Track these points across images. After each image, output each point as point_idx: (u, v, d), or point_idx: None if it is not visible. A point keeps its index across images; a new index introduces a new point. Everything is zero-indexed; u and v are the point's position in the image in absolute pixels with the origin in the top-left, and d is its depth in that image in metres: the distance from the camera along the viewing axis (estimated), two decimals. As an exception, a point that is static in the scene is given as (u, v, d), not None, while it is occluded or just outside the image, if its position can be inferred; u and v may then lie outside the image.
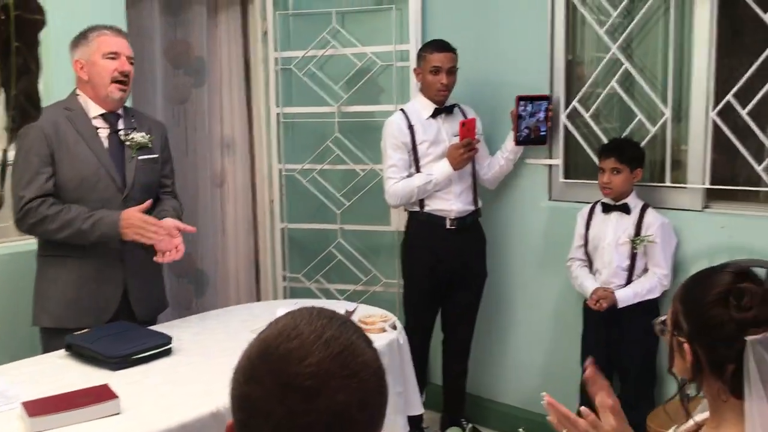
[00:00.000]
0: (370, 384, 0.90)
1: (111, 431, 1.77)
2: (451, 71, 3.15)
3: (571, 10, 3.20)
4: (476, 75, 3.40)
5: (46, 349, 2.43)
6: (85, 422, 1.78)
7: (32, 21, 0.81)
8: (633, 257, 2.88)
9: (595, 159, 3.04)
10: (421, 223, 3.23)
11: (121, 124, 2.57)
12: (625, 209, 2.91)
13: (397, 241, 3.61)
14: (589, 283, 2.95)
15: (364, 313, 2.62)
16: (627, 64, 3.04)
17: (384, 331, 2.48)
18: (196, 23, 3.66)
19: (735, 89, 2.76)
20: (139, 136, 2.56)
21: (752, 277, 1.32)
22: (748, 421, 1.24)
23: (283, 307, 2.46)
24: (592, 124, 3.16)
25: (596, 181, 2.97)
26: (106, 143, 2.52)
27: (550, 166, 3.32)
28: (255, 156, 3.99)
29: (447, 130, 3.20)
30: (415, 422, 3.03)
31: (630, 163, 2.88)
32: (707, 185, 2.90)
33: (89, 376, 2.07)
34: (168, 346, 2.26)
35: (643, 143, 2.99)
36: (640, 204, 2.92)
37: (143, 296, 2.59)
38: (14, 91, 0.81)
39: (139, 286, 2.57)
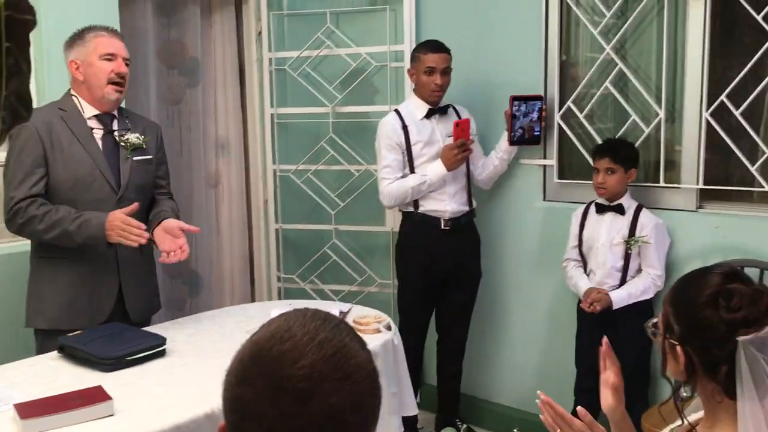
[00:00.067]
0: (364, 386, 0.90)
1: (104, 433, 1.77)
2: (446, 72, 3.15)
3: (565, 10, 3.21)
4: (470, 75, 3.40)
5: (41, 350, 2.41)
6: (78, 424, 1.77)
7: (23, 21, 0.80)
8: (627, 258, 2.89)
9: (590, 159, 3.05)
10: (416, 224, 3.23)
11: (115, 125, 2.56)
12: (620, 210, 2.91)
13: (391, 242, 3.61)
14: (582, 283, 2.96)
15: (358, 314, 2.61)
16: (621, 65, 3.05)
17: (378, 331, 2.48)
18: (190, 23, 3.66)
19: (728, 90, 2.77)
20: (133, 137, 2.55)
21: (741, 278, 1.33)
22: (741, 422, 1.24)
23: (277, 308, 2.47)
24: (586, 124, 3.16)
25: (590, 182, 2.98)
26: (100, 144, 2.51)
27: (545, 166, 3.32)
28: (249, 156, 3.98)
29: (441, 131, 3.20)
30: (409, 423, 3.03)
31: (624, 164, 2.88)
32: (701, 185, 2.90)
33: (83, 377, 2.06)
34: (162, 348, 2.25)
35: (637, 143, 3.00)
36: (634, 205, 2.93)
37: (138, 297, 2.58)
38: (5, 91, 0.80)
39: (134, 288, 2.56)
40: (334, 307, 2.60)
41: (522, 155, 3.34)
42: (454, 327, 3.37)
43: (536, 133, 3.22)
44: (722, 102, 2.79)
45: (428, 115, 3.20)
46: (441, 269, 3.23)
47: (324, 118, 3.80)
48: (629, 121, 3.04)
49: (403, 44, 3.57)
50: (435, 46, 3.15)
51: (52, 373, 2.11)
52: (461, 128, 3.08)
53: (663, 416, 1.64)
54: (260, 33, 3.84)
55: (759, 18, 2.67)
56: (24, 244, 2.62)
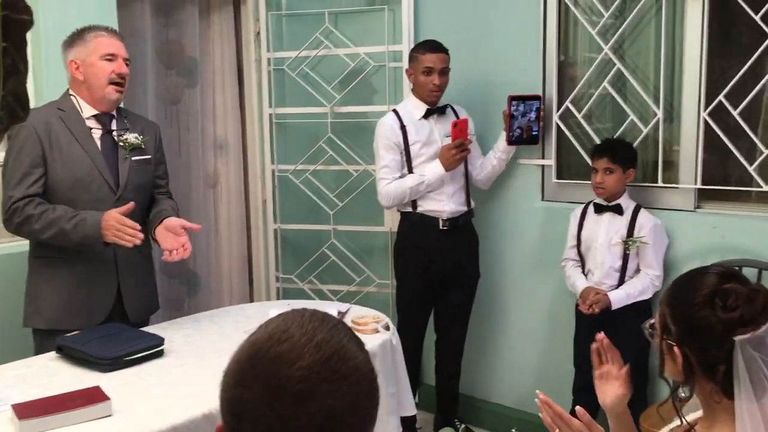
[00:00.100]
0: (361, 388, 0.90)
1: (102, 433, 1.77)
2: (444, 72, 3.15)
3: (563, 10, 3.21)
4: (469, 75, 3.40)
5: (39, 350, 2.41)
6: (76, 424, 1.77)
7: (20, 21, 0.80)
8: (625, 258, 2.89)
9: (588, 159, 3.05)
10: (414, 224, 3.23)
11: (114, 125, 2.56)
12: (618, 210, 2.91)
13: (390, 242, 3.61)
14: (579, 283, 2.96)
15: (356, 314, 2.61)
16: (619, 65, 3.05)
17: (377, 332, 2.48)
18: (189, 24, 3.65)
19: (726, 90, 2.77)
20: (132, 137, 2.55)
21: (737, 277, 1.33)
22: (739, 422, 1.24)
23: (276, 308, 2.47)
24: (584, 124, 3.16)
25: (589, 182, 2.98)
26: (99, 144, 2.51)
27: (543, 166, 3.32)
28: (248, 156, 3.98)
29: (439, 131, 3.20)
30: (408, 423, 3.02)
31: (623, 163, 2.88)
32: (699, 185, 2.91)
33: (81, 377, 2.06)
34: (160, 348, 2.25)
35: (635, 143, 3.00)
36: (632, 205, 2.93)
37: (136, 298, 2.58)
38: (2, 91, 0.80)
39: (133, 288, 2.56)
40: (332, 308, 2.60)
41: (520, 155, 3.34)
42: (453, 327, 3.37)
43: (534, 133, 3.22)
44: (720, 102, 2.79)
45: (426, 115, 3.20)
46: (439, 269, 3.23)
47: (322, 118, 3.80)
48: (627, 121, 3.04)
49: (402, 44, 3.57)
50: (433, 46, 3.15)
51: (50, 374, 2.11)
52: (459, 128, 3.08)
53: (661, 416, 1.64)
54: (258, 33, 3.84)
55: (757, 18, 2.67)
56: (22, 244, 2.62)
